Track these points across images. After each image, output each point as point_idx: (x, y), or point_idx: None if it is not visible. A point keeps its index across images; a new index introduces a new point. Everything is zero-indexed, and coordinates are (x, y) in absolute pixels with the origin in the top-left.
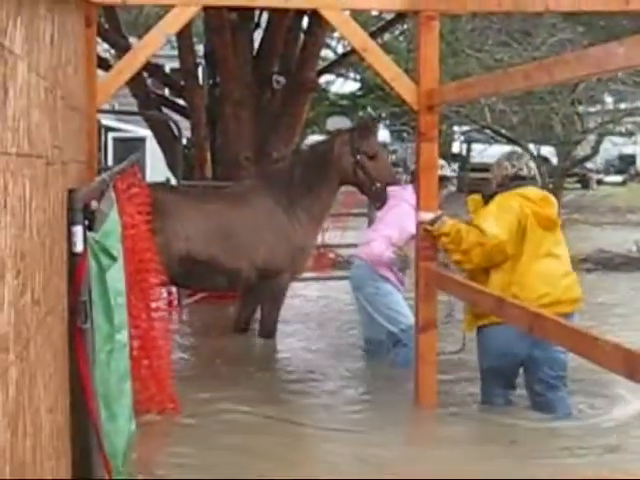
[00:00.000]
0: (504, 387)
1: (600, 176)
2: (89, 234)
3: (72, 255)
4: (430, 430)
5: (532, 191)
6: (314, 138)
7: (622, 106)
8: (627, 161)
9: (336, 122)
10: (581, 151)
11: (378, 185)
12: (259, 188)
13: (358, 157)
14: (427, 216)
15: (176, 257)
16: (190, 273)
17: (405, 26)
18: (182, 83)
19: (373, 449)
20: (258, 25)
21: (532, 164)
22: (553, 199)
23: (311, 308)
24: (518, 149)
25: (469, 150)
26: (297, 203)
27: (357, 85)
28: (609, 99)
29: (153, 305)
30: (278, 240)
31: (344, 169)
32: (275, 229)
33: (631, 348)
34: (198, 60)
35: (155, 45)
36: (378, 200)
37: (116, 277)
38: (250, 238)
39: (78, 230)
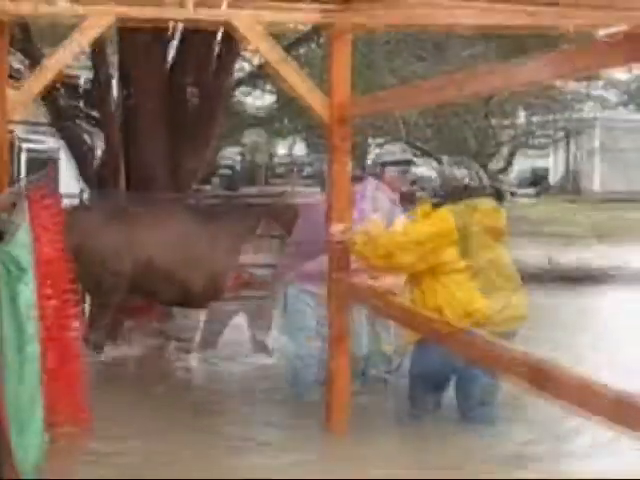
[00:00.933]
0: (435, 392)
1: (513, 189)
2: None
3: None
4: (342, 448)
5: (482, 202)
6: (231, 150)
7: (534, 119)
8: (540, 174)
9: (252, 134)
10: (495, 164)
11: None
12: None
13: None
14: (338, 227)
15: (137, 265)
16: (147, 283)
17: (321, 39)
18: (96, 94)
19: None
20: (172, 37)
21: (482, 173)
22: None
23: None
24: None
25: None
26: (221, 223)
27: (273, 98)
28: (522, 112)
29: (67, 319)
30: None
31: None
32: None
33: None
34: (112, 71)
35: (68, 57)
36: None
37: (26, 289)
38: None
39: None
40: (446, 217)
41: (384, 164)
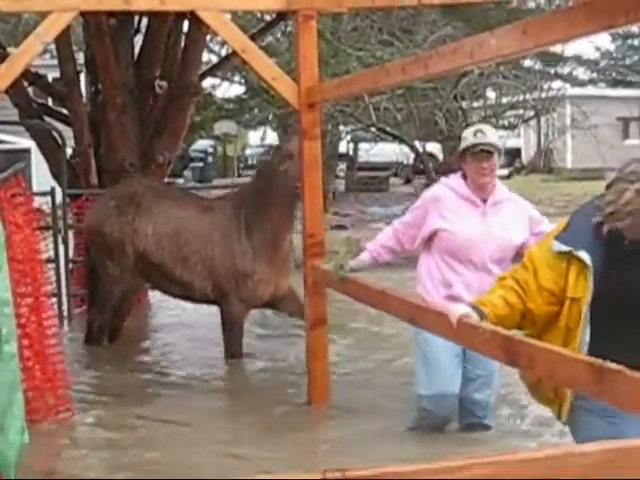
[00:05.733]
0: None
1: None
2: None
3: None
4: (319, 428)
5: None
6: (202, 143)
7: (504, 100)
8: (512, 154)
9: (223, 126)
10: None
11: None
12: (227, 202)
13: (284, 163)
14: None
15: (137, 252)
16: (148, 273)
17: (288, 28)
18: (63, 91)
19: (251, 447)
20: (138, 30)
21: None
22: None
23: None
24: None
25: (356, 149)
26: (253, 224)
27: (242, 88)
28: (491, 94)
29: (44, 314)
30: (223, 260)
31: (281, 179)
32: (223, 248)
33: (508, 334)
34: (79, 67)
35: (32, 52)
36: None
37: (1, 287)
38: (200, 251)
39: None
40: None
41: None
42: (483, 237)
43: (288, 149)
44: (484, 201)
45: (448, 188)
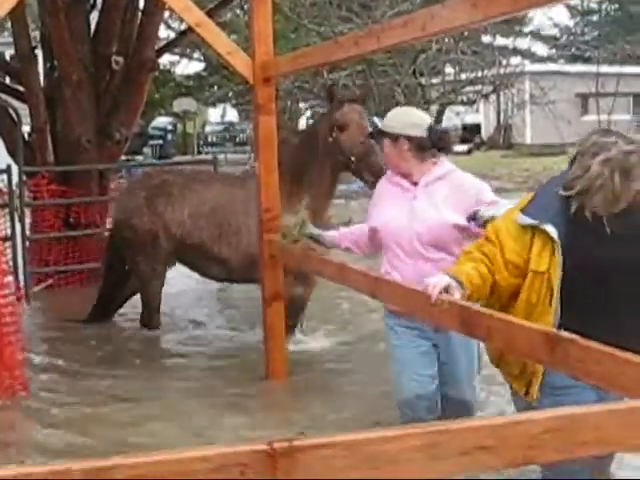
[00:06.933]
0: None
1: None
2: None
3: None
4: (277, 401)
5: None
6: (161, 120)
7: (463, 76)
8: (472, 130)
9: (182, 103)
10: None
11: (352, 159)
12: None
13: (333, 133)
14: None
15: (174, 239)
16: (186, 257)
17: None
18: (19, 68)
19: (207, 424)
20: (94, 6)
21: None
22: None
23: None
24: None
25: None
26: (290, 194)
27: (202, 65)
28: (450, 70)
29: (0, 292)
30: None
31: (329, 150)
32: (253, 220)
33: (466, 305)
34: (35, 44)
35: None
36: (363, 176)
37: None
38: (237, 224)
39: None
40: None
41: None
42: (409, 221)
43: (339, 119)
44: (416, 184)
45: (385, 179)
